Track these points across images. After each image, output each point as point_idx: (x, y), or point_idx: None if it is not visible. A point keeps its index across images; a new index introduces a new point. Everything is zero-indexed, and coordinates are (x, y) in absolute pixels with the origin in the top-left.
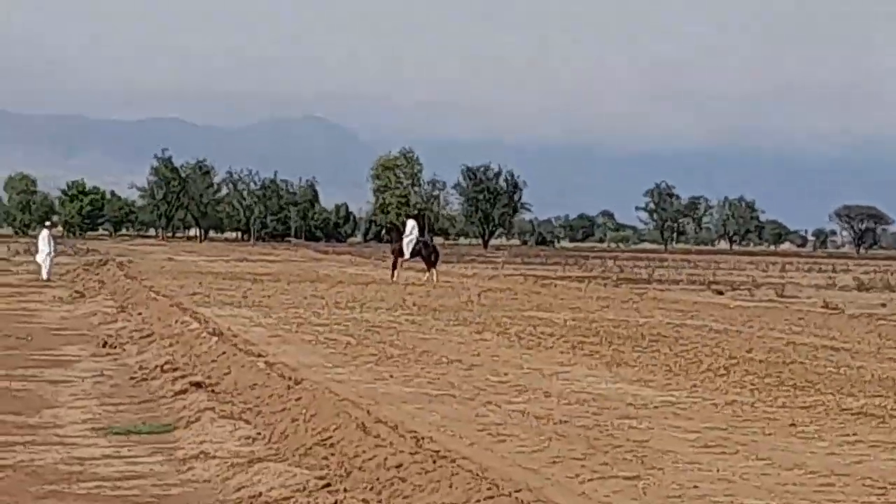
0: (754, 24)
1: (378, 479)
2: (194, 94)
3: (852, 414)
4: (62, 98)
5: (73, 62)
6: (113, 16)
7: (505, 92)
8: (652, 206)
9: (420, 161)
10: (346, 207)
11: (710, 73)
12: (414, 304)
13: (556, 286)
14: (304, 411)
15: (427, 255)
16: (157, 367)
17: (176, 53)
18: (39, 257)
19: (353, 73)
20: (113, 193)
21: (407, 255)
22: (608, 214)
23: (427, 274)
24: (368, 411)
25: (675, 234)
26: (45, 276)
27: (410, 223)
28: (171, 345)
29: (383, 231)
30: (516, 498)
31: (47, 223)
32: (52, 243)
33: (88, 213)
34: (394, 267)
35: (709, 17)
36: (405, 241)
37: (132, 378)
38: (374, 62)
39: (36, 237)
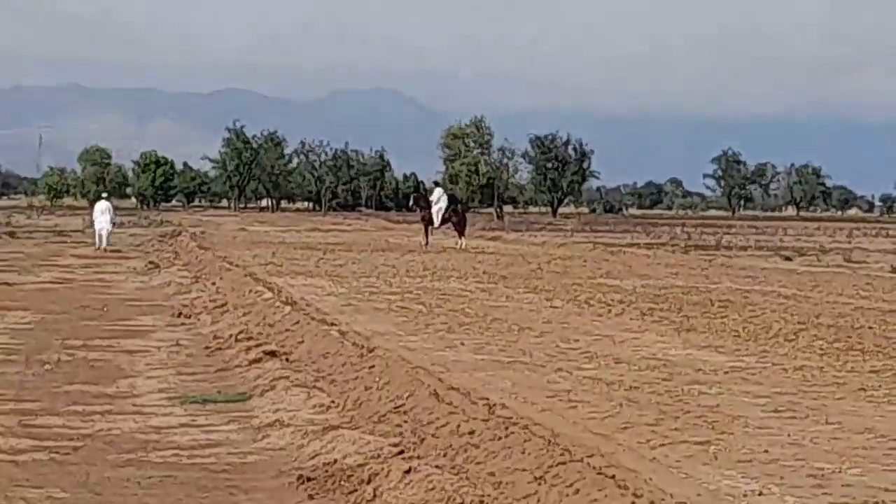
0: None
1: (451, 445)
2: (266, 66)
3: None
4: (136, 71)
5: (145, 36)
6: None
7: (572, 61)
8: (719, 173)
9: (490, 130)
10: (416, 177)
11: (778, 39)
12: (484, 272)
13: (624, 253)
14: (377, 379)
15: (457, 221)
16: (231, 336)
17: (247, 26)
18: (99, 226)
19: (423, 45)
20: (185, 165)
21: (437, 224)
22: (676, 182)
23: (459, 241)
24: (441, 379)
25: (742, 201)
26: (103, 244)
27: (438, 191)
28: (244, 314)
29: (410, 200)
30: (588, 463)
31: (104, 195)
32: (111, 213)
33: (161, 185)
34: (425, 234)
35: None
36: (434, 209)
37: (207, 347)
38: (443, 34)
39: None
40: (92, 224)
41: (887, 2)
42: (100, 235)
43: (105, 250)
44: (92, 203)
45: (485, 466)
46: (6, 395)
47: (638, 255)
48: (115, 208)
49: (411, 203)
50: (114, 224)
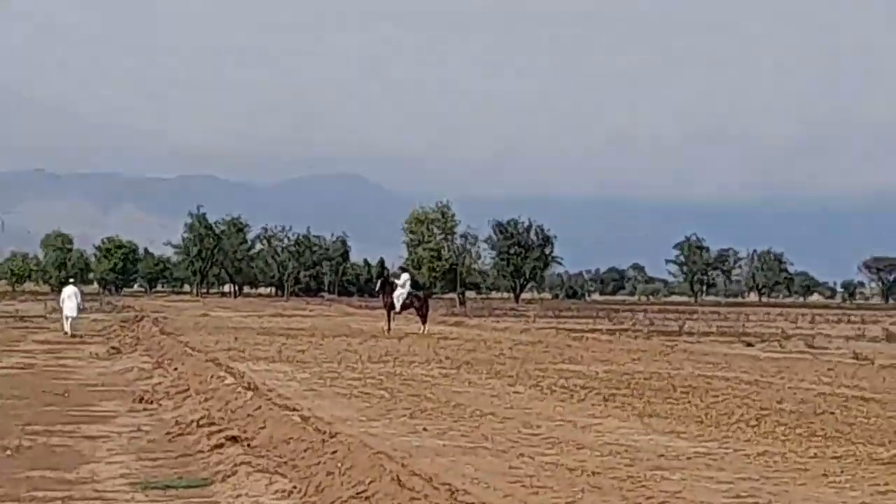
0: (784, 74)
1: None
2: (228, 151)
3: (883, 464)
4: (99, 157)
5: (107, 122)
6: (144, 76)
7: (535, 148)
8: (682, 258)
9: (455, 217)
10: (382, 262)
11: (740, 125)
12: (447, 358)
13: (587, 339)
14: (339, 465)
15: (419, 307)
16: (193, 421)
17: (209, 112)
18: (66, 311)
19: (388, 132)
20: (146, 251)
21: (398, 308)
22: (638, 267)
23: (421, 326)
24: (403, 464)
25: (704, 287)
26: (68, 329)
27: (405, 276)
28: (206, 399)
29: (377, 285)
30: None
31: (71, 280)
32: (78, 298)
33: (122, 270)
34: (388, 320)
35: (739, 72)
36: (396, 294)
37: (169, 433)
38: (408, 121)
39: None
40: (57, 309)
41: (851, 86)
42: (67, 319)
43: (70, 335)
44: (57, 289)
45: None
46: None
47: (600, 340)
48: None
49: (377, 288)
50: (80, 309)
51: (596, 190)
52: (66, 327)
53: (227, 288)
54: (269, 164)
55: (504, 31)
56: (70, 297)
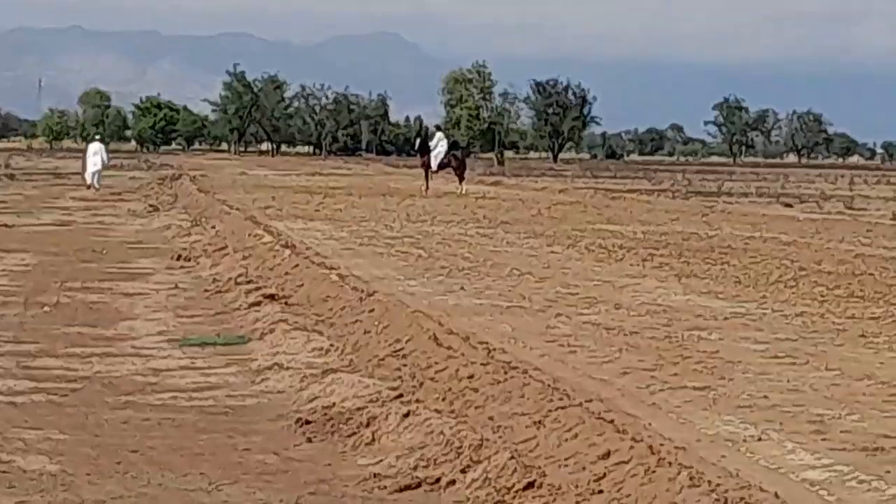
0: None
1: (450, 389)
2: (267, 9)
3: None
4: (136, 14)
5: None
6: None
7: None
8: (721, 119)
9: (491, 76)
10: (421, 122)
11: None
12: (484, 217)
13: (625, 199)
14: (376, 323)
15: (457, 166)
16: (230, 279)
17: None
18: (92, 168)
19: None
20: (185, 108)
21: (434, 168)
22: (677, 128)
23: (459, 186)
24: (440, 323)
25: (743, 148)
26: (96, 184)
27: (438, 135)
28: (244, 258)
29: (416, 144)
30: (587, 408)
31: (97, 136)
32: (103, 154)
33: (161, 128)
34: (426, 179)
35: None
36: (433, 154)
37: (206, 291)
38: None
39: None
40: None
41: None
42: (91, 174)
43: (93, 188)
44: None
45: (484, 410)
46: (4, 337)
47: (639, 201)
48: (113, 152)
49: (416, 147)
50: (104, 165)
51: (633, 51)
52: (91, 181)
53: (264, 146)
54: (306, 22)
55: None
56: (95, 153)
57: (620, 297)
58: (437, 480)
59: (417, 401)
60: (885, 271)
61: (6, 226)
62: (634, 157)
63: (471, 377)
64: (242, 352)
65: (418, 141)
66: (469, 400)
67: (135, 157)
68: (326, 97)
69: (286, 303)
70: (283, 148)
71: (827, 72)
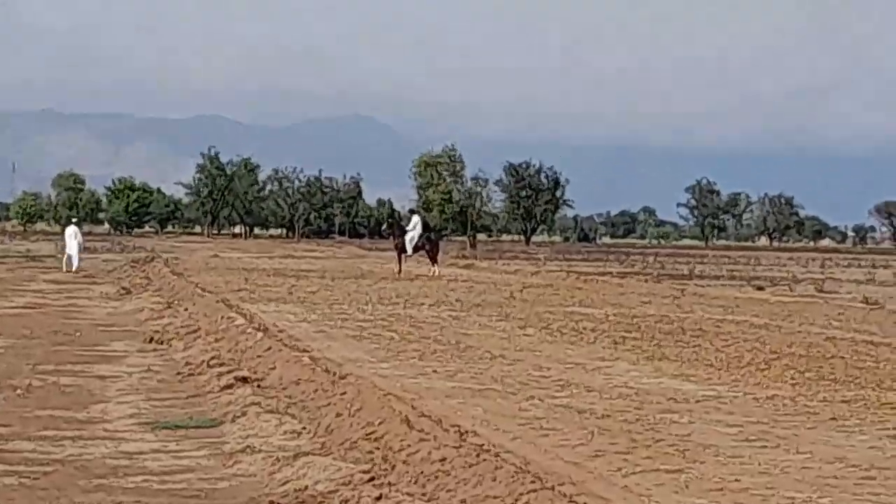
0: (794, 21)
1: (422, 472)
2: (241, 92)
3: (892, 408)
4: (109, 97)
5: (121, 61)
6: (161, 14)
7: (546, 91)
8: (693, 202)
9: (462, 159)
10: (390, 203)
11: (752, 70)
12: (457, 300)
13: (597, 282)
14: (348, 406)
15: (430, 249)
16: (203, 362)
17: (223, 52)
18: (70, 251)
19: (400, 73)
20: (159, 190)
21: (409, 251)
22: (649, 211)
23: (432, 268)
24: (413, 405)
25: (715, 231)
26: (73, 267)
27: (415, 218)
28: (216, 340)
29: (383, 226)
30: (559, 491)
31: (74, 220)
32: (78, 237)
33: (135, 210)
34: (398, 261)
35: (749, 16)
36: (408, 236)
37: (179, 373)
38: (419, 62)
39: (65, 234)
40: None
41: (861, 31)
42: (68, 258)
43: (73, 272)
44: (64, 228)
45: (456, 494)
46: None
47: (611, 283)
48: (87, 233)
49: (384, 229)
50: (80, 247)
51: (606, 134)
52: (69, 265)
53: (237, 229)
54: (280, 104)
55: None
56: (71, 237)
57: (592, 380)
58: None
59: (389, 484)
60: (856, 354)
61: None
62: (607, 239)
63: (443, 460)
64: (214, 435)
65: (386, 224)
66: (441, 483)
67: (108, 239)
68: (299, 180)
69: (258, 385)
70: (257, 230)
71: (799, 154)
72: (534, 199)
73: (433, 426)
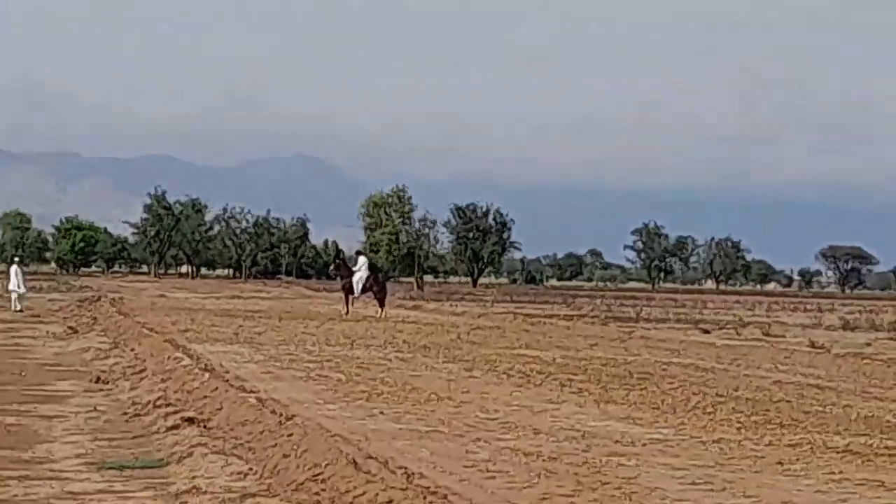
0: (740, 65)
1: None
2: (189, 132)
3: (838, 452)
4: (56, 137)
5: (67, 100)
6: (106, 52)
7: (494, 131)
8: (640, 245)
9: (411, 200)
10: (336, 245)
11: (700, 116)
12: (404, 342)
13: (544, 324)
14: (295, 447)
15: (377, 290)
16: (149, 402)
17: (169, 92)
18: (11, 288)
19: (347, 114)
20: (105, 230)
21: (357, 293)
22: (596, 253)
23: (379, 310)
24: (359, 447)
25: (662, 274)
26: (18, 307)
27: (361, 259)
28: (163, 380)
29: (331, 267)
30: None
31: (16, 259)
32: (20, 277)
33: (81, 250)
34: (345, 303)
35: (695, 59)
36: (355, 277)
37: (125, 413)
38: (366, 103)
39: (9, 273)
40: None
41: (806, 77)
42: (12, 297)
43: (17, 311)
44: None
45: None
46: None
47: (558, 326)
48: (32, 273)
49: (332, 270)
50: (19, 286)
51: (554, 177)
52: (14, 304)
53: (184, 269)
54: (228, 145)
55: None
56: (15, 276)
57: (539, 423)
58: None
59: None
60: (802, 398)
61: None
62: (553, 282)
63: (389, 502)
64: (161, 475)
65: (334, 265)
66: None
67: (54, 278)
68: (247, 220)
69: (205, 426)
70: (203, 271)
71: (746, 199)
72: (481, 241)
73: (380, 468)
